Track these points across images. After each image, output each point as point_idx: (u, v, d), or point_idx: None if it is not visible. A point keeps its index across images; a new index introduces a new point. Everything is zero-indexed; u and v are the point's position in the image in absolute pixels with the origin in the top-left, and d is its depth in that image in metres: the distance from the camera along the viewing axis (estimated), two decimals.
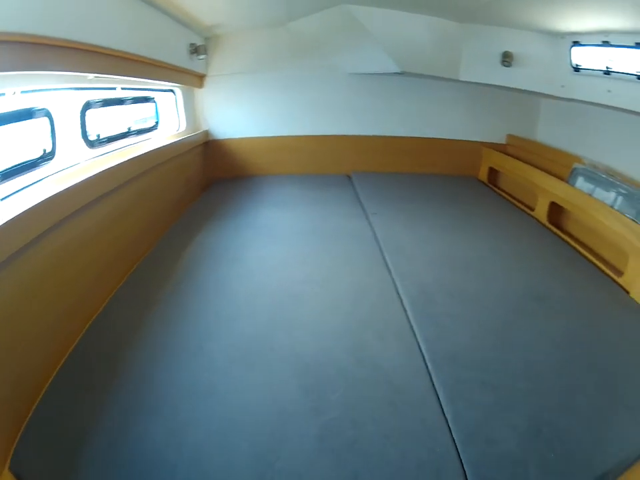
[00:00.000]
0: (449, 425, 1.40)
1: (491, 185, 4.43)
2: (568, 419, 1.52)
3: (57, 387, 1.59)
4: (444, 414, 1.44)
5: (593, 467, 1.36)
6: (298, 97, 4.05)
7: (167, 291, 2.03)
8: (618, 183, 3.09)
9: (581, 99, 3.48)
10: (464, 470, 1.26)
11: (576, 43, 3.21)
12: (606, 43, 2.93)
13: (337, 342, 1.71)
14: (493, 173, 4.51)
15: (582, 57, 3.23)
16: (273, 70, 3.94)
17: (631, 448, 1.45)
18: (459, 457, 1.30)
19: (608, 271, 2.77)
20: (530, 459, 1.33)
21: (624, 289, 2.56)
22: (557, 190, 3.43)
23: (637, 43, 2.68)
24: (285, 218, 2.88)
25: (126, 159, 2.47)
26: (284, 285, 2.10)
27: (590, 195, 3.22)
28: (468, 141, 4.59)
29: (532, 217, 3.64)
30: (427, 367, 1.65)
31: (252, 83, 3.98)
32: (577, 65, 3.29)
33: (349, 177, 4.03)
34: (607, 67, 2.99)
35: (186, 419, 1.36)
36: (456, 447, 1.33)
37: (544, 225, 3.47)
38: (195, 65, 3.51)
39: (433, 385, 1.56)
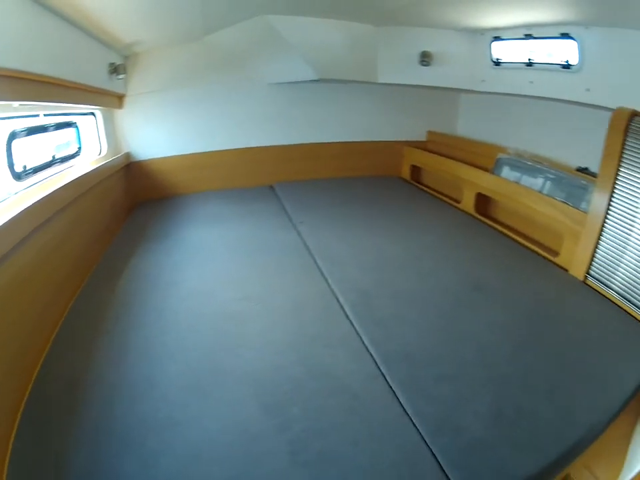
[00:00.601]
0: (413, 422, 1.39)
1: (414, 183, 4.45)
2: (529, 398, 1.54)
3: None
4: (406, 412, 1.43)
5: (562, 438, 1.40)
6: (217, 111, 3.88)
7: (109, 327, 1.88)
8: (545, 168, 3.16)
9: (502, 91, 3.56)
10: (437, 461, 1.26)
11: (496, 38, 3.27)
12: (529, 36, 3.01)
13: (285, 356, 1.67)
14: (416, 170, 4.54)
15: (502, 51, 3.29)
16: (191, 86, 3.75)
17: (595, 417, 1.51)
18: (430, 450, 1.30)
19: (544, 253, 2.85)
20: (499, 440, 1.35)
21: (563, 268, 2.65)
22: (482, 181, 3.47)
23: (562, 34, 2.76)
24: (214, 235, 2.74)
25: (52, 190, 2.27)
26: (223, 305, 2.00)
27: (517, 182, 3.29)
28: (389, 141, 4.59)
29: (459, 209, 3.68)
30: (379, 370, 1.62)
31: (171, 100, 3.75)
32: (497, 59, 3.35)
33: (272, 188, 3.93)
34: (529, 59, 3.08)
35: (155, 450, 1.29)
36: (425, 441, 1.33)
37: (473, 216, 3.51)
38: (115, 85, 3.27)
39: (390, 386, 1.54)
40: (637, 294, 2.29)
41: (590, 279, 2.54)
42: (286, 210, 3.29)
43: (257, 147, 4.10)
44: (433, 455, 1.29)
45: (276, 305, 2.01)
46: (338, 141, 4.42)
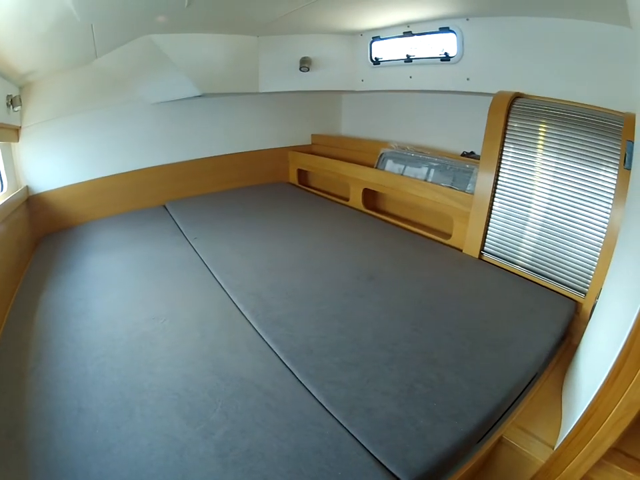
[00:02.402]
0: (326, 409, 1.42)
1: (302, 186, 4.41)
2: (436, 371, 1.59)
3: None
4: (318, 401, 1.46)
5: (479, 405, 1.45)
6: (108, 135, 3.59)
7: (32, 365, 1.76)
8: (428, 157, 3.19)
9: (382, 89, 3.62)
10: (358, 440, 1.30)
11: (376, 38, 3.29)
12: (408, 34, 3.04)
13: (197, 367, 1.65)
14: (303, 174, 4.50)
15: (382, 50, 3.32)
16: (83, 111, 3.44)
17: (509, 380, 1.58)
18: (348, 431, 1.33)
19: (436, 237, 2.93)
20: (415, 413, 1.39)
21: (457, 248, 2.76)
22: (366, 177, 3.48)
23: (441, 28, 2.83)
24: (115, 261, 2.62)
25: None
26: (133, 327, 1.94)
27: (401, 174, 3.31)
28: (275, 148, 4.48)
29: (348, 206, 3.68)
30: (286, 366, 1.65)
31: (65, 128, 3.41)
32: (376, 59, 3.38)
33: (165, 208, 3.75)
34: (408, 55, 3.12)
35: (100, 474, 1.24)
36: (341, 424, 1.36)
37: (362, 212, 3.54)
38: (12, 118, 2.97)
39: (298, 379, 1.57)
40: (531, 262, 2.40)
41: (485, 254, 2.62)
42: (179, 227, 3.19)
43: (148, 168, 3.84)
44: (352, 435, 1.32)
45: (182, 320, 1.99)
46: (226, 153, 4.25)
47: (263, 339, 1.83)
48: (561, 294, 2.23)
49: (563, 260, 2.26)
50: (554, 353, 1.97)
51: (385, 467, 1.23)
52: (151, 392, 1.54)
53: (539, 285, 2.32)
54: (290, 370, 1.62)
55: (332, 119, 4.67)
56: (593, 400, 1.34)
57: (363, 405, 1.43)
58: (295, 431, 1.34)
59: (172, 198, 3.90)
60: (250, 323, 1.94)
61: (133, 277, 2.44)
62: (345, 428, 1.35)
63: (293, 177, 4.56)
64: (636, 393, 1.21)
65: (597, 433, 1.35)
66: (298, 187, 4.46)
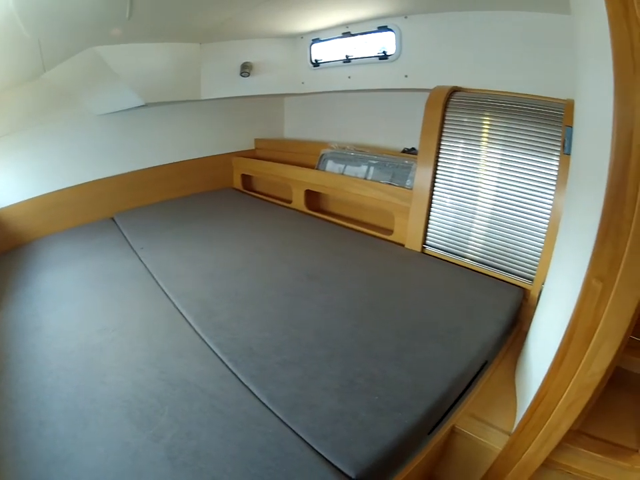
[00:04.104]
0: (269, 408, 1.42)
1: (246, 191, 4.34)
2: (378, 365, 1.59)
3: None
4: (261, 401, 1.46)
5: (422, 396, 1.45)
6: (58, 149, 3.42)
7: None
8: (367, 156, 3.15)
9: (322, 90, 3.59)
10: (301, 437, 1.29)
11: (316, 40, 3.27)
12: (347, 34, 3.02)
13: (146, 375, 1.64)
14: (247, 179, 4.42)
15: (322, 51, 3.29)
16: (31, 126, 3.27)
17: (453, 369, 1.59)
18: (291, 429, 1.33)
19: (378, 234, 2.90)
20: (356, 407, 1.39)
21: (399, 244, 2.74)
22: (308, 178, 3.42)
23: (379, 27, 2.82)
24: (66, 275, 2.55)
25: None
26: (84, 339, 1.92)
27: (341, 174, 3.26)
28: (220, 154, 4.37)
29: (291, 209, 3.62)
30: (229, 369, 1.64)
31: (15, 144, 3.23)
32: (316, 60, 3.35)
33: (113, 220, 3.64)
34: (347, 56, 3.10)
35: None
36: (284, 422, 1.36)
37: (305, 213, 3.50)
38: None
39: (241, 381, 1.57)
40: (475, 252, 2.39)
41: (428, 248, 2.59)
42: (127, 239, 3.12)
43: (97, 180, 3.69)
44: (295, 432, 1.31)
45: (130, 330, 1.97)
46: (171, 162, 4.12)
47: (206, 343, 1.80)
48: (508, 282, 2.22)
49: (508, 248, 2.24)
50: (503, 340, 1.98)
51: (329, 462, 1.22)
52: (103, 401, 1.53)
53: (485, 274, 2.31)
54: (233, 372, 1.61)
55: (275, 123, 4.61)
56: (541, 384, 1.30)
57: (305, 402, 1.42)
58: (240, 431, 1.34)
59: (121, 209, 3.78)
60: (194, 328, 1.92)
61: (83, 290, 2.40)
62: (288, 426, 1.35)
63: (238, 183, 4.47)
64: (585, 377, 1.17)
65: (551, 417, 1.31)
66: (243, 192, 4.39)
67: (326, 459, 1.23)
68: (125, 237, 3.16)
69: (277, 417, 1.39)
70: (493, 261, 2.31)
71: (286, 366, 1.60)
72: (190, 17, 2.57)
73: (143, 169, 3.95)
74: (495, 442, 1.49)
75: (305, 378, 1.54)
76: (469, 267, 2.39)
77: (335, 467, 1.20)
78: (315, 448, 1.26)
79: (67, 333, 2.01)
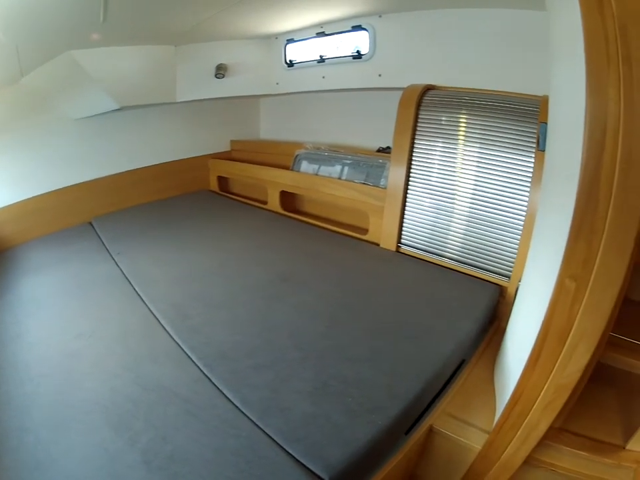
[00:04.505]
0: (242, 411, 1.42)
1: (223, 193, 4.28)
2: (351, 367, 1.57)
3: None
4: (234, 404, 1.45)
5: (396, 397, 1.43)
6: (36, 154, 3.35)
7: None
8: (341, 155, 3.11)
9: (296, 90, 3.55)
10: (274, 440, 1.29)
11: (290, 40, 3.25)
12: (321, 34, 3.00)
13: (122, 379, 1.64)
14: (223, 180, 4.35)
15: (296, 52, 3.27)
16: (9, 132, 3.20)
17: (427, 370, 1.57)
18: (264, 432, 1.32)
19: (353, 234, 2.87)
20: (329, 409, 1.38)
21: (374, 243, 2.71)
22: (283, 179, 3.38)
23: (353, 27, 2.80)
24: (45, 282, 2.52)
25: None
26: (62, 345, 1.91)
27: (315, 174, 3.22)
28: (196, 156, 4.30)
29: (266, 210, 3.58)
30: (202, 372, 1.63)
31: None
32: (290, 61, 3.32)
33: (91, 224, 3.57)
34: (321, 56, 3.08)
35: None
36: (257, 425, 1.35)
37: (280, 214, 3.47)
38: None
39: (214, 384, 1.56)
40: (451, 251, 2.37)
41: (403, 247, 2.56)
42: (104, 243, 3.08)
43: (73, 185, 3.61)
44: (268, 435, 1.31)
45: (106, 335, 1.96)
46: (148, 164, 4.04)
47: (180, 347, 1.79)
48: (484, 280, 2.20)
49: (485, 246, 2.22)
50: (481, 338, 1.97)
51: (303, 464, 1.21)
52: (82, 406, 1.54)
53: (461, 272, 2.29)
54: (206, 376, 1.61)
55: (250, 124, 4.55)
56: (517, 384, 1.28)
57: (278, 405, 1.42)
58: (214, 435, 1.33)
59: (99, 213, 3.72)
60: (169, 332, 1.91)
61: (61, 297, 2.38)
62: (261, 429, 1.34)
63: (214, 185, 4.41)
64: (562, 377, 1.14)
65: (529, 417, 1.29)
66: (219, 194, 4.33)
67: (299, 462, 1.22)
68: (102, 241, 3.12)
69: (250, 420, 1.38)
70: (469, 258, 2.29)
71: (258, 369, 1.59)
72: (164, 19, 2.54)
73: (120, 173, 3.88)
74: (474, 441, 1.48)
75: (278, 381, 1.53)
76: (445, 265, 2.36)
77: (308, 470, 1.19)
78: (288, 451, 1.25)
79: (45, 339, 1.99)
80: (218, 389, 1.54)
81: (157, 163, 4.09)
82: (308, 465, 1.20)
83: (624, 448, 1.43)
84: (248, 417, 1.39)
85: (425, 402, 1.56)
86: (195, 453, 1.28)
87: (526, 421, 1.31)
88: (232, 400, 1.48)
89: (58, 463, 1.32)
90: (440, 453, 1.59)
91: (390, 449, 1.41)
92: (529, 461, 1.40)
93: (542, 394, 1.22)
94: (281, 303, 2.06)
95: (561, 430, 1.48)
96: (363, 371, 1.55)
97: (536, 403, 1.25)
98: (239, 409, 1.43)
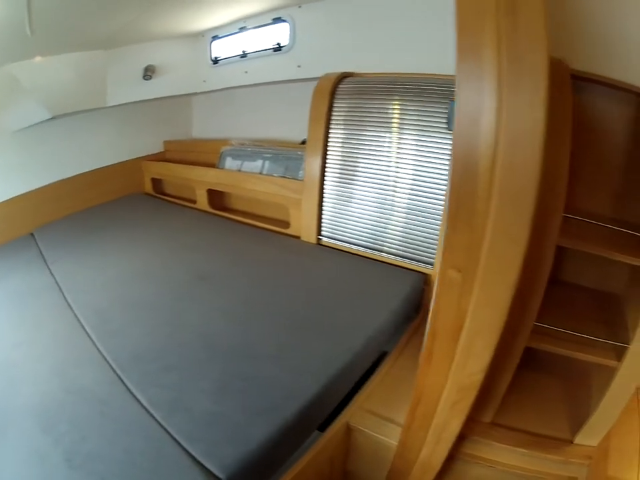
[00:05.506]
0: (149, 412, 1.38)
1: (157, 195, 4.12)
2: (256, 365, 1.53)
3: None
4: (142, 404, 1.42)
5: (297, 393, 1.38)
6: None
7: None
8: (263, 150, 2.99)
9: (221, 87, 3.42)
10: (176, 440, 1.25)
11: (215, 37, 3.13)
12: (243, 29, 2.88)
13: (51, 384, 1.60)
14: (157, 182, 4.17)
15: (221, 48, 3.17)
16: None
17: (333, 366, 1.50)
18: (168, 432, 1.29)
19: (276, 228, 2.76)
20: (230, 408, 1.34)
21: (295, 236, 2.59)
22: (208, 177, 3.28)
23: (274, 19, 2.68)
24: None
25: None
26: (3, 356, 1.87)
27: (238, 170, 3.11)
28: (131, 159, 4.10)
29: (196, 209, 3.48)
30: (117, 375, 1.59)
31: None
32: (215, 58, 3.20)
33: (32, 235, 3.39)
34: (243, 51, 2.97)
35: None
36: (161, 425, 1.32)
37: (208, 213, 3.35)
38: None
39: (126, 386, 1.53)
40: (373, 240, 2.23)
41: (324, 239, 2.42)
42: (42, 254, 2.94)
43: (14, 198, 3.42)
44: (171, 435, 1.28)
45: (39, 343, 1.90)
46: (86, 171, 3.84)
47: (99, 351, 1.75)
48: (406, 268, 2.08)
49: (405, 233, 2.09)
50: (403, 329, 1.88)
51: (202, 464, 1.18)
52: (19, 412, 1.52)
53: (384, 263, 2.16)
54: (120, 378, 1.57)
55: (183, 124, 4.35)
56: (416, 383, 1.15)
57: (182, 405, 1.38)
58: (124, 435, 1.32)
59: (41, 223, 3.54)
60: (90, 337, 1.86)
61: (1, 310, 2.30)
62: (164, 428, 1.31)
63: (149, 187, 4.20)
64: (464, 377, 1.00)
65: (435, 417, 1.16)
66: (154, 196, 4.14)
67: (198, 462, 1.19)
68: (40, 252, 3.00)
69: (156, 420, 1.35)
70: (390, 247, 2.14)
71: (167, 370, 1.55)
72: (90, 25, 2.48)
73: (60, 181, 3.71)
74: (394, 438, 1.38)
75: (184, 381, 1.49)
76: (366, 255, 2.23)
77: (207, 469, 1.16)
78: (189, 451, 1.22)
79: None
80: (129, 390, 1.51)
81: (94, 168, 3.91)
82: (206, 465, 1.17)
83: (572, 442, 1.33)
84: (154, 418, 1.36)
85: (339, 397, 1.50)
86: (108, 453, 1.27)
87: (434, 422, 1.17)
88: (141, 401, 1.44)
89: (7, 469, 1.30)
90: (362, 450, 1.51)
91: (297, 447, 1.36)
92: (463, 458, 1.35)
93: (445, 394, 1.07)
94: (196, 303, 1.98)
95: (493, 425, 1.39)
96: (267, 368, 1.50)
97: (440, 404, 1.11)
98: (147, 410, 1.40)
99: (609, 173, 1.44)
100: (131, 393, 1.50)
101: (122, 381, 1.56)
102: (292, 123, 3.10)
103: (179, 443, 1.26)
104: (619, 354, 1.18)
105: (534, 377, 1.60)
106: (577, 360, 1.26)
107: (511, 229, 0.76)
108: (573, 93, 1.11)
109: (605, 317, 1.37)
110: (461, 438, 1.40)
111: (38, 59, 2.81)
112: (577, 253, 1.21)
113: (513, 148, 0.71)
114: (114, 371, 1.63)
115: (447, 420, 1.14)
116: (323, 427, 1.44)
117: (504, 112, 0.70)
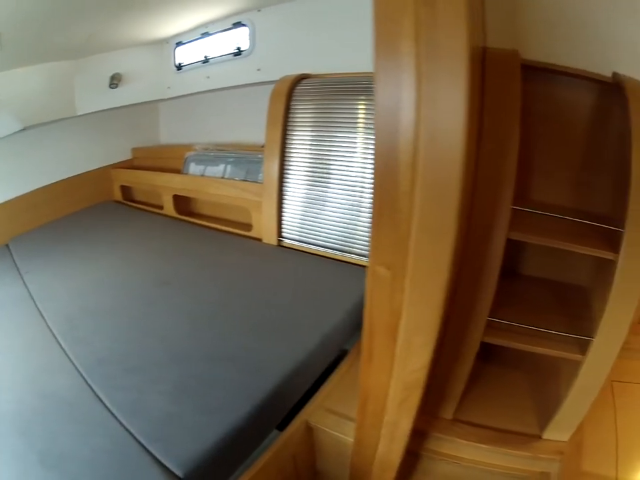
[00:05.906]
0: (111, 412, 1.40)
1: (127, 202, 4.07)
2: (211, 367, 1.54)
3: None
4: (105, 406, 1.44)
5: (251, 393, 1.39)
6: None
7: None
8: (226, 154, 2.99)
9: (185, 93, 3.39)
10: (137, 439, 1.27)
11: (179, 43, 3.10)
12: (205, 34, 2.87)
13: (26, 390, 1.61)
14: (126, 190, 4.11)
15: (184, 54, 3.14)
16: None
17: (287, 366, 1.50)
18: (129, 432, 1.31)
19: (239, 231, 2.75)
20: (186, 409, 1.36)
21: (257, 239, 2.59)
22: (173, 183, 3.26)
23: (233, 24, 2.68)
24: None
25: None
26: None
27: (202, 175, 3.11)
28: (100, 167, 4.05)
29: (163, 215, 3.46)
30: (84, 379, 1.59)
31: None
32: (179, 64, 3.16)
33: (7, 246, 3.34)
34: (206, 56, 2.95)
35: None
36: (123, 426, 1.33)
37: (174, 218, 3.34)
38: None
39: (91, 388, 1.54)
40: (331, 240, 2.22)
41: (285, 240, 2.40)
42: (16, 264, 2.93)
43: None
44: (133, 435, 1.30)
45: (15, 351, 1.91)
46: (58, 180, 3.79)
47: (68, 357, 1.76)
48: (366, 266, 2.05)
49: (363, 231, 2.08)
50: (358, 327, 1.85)
51: (161, 463, 1.19)
52: (1, 418, 1.51)
53: (343, 262, 2.14)
54: (87, 382, 1.58)
55: (150, 130, 4.29)
56: (360, 381, 1.11)
57: (142, 407, 1.40)
58: (91, 436, 1.34)
59: (17, 233, 3.49)
60: (60, 344, 1.87)
61: None
62: (126, 428, 1.33)
63: (118, 195, 4.14)
64: (406, 375, 0.96)
65: (385, 416, 1.11)
66: (123, 203, 4.09)
67: (158, 461, 1.21)
68: (14, 262, 2.98)
69: (119, 421, 1.37)
70: (349, 246, 2.12)
71: (130, 372, 1.57)
72: (57, 35, 2.45)
73: (34, 191, 3.65)
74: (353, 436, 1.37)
75: (144, 383, 1.50)
76: (326, 255, 2.21)
77: (166, 468, 1.18)
78: (150, 450, 1.24)
79: None
80: (94, 392, 1.53)
81: (66, 177, 3.86)
82: (165, 464, 1.19)
83: (540, 437, 1.31)
84: (117, 419, 1.38)
85: (297, 396, 1.52)
86: (77, 453, 1.28)
87: (385, 419, 1.13)
88: (105, 403, 1.46)
89: None
90: (327, 449, 1.49)
91: (259, 444, 1.38)
92: (427, 455, 1.34)
93: (390, 392, 1.04)
94: (159, 308, 2.00)
95: (454, 421, 1.36)
96: (224, 369, 1.52)
97: (387, 402, 1.07)
98: (111, 412, 1.42)
99: (571, 163, 1.41)
100: (97, 395, 1.51)
101: (88, 384, 1.57)
102: (256, 126, 3.06)
103: (140, 443, 1.27)
104: (583, 347, 1.15)
105: (500, 373, 1.59)
106: (544, 355, 1.24)
107: (436, 225, 0.73)
108: (524, 83, 1.07)
109: (570, 311, 1.34)
110: (422, 434, 1.39)
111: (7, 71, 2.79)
112: (538, 246, 1.18)
113: (433, 142, 0.68)
114: (81, 376, 1.63)
115: (397, 418, 1.11)
116: (282, 426, 1.44)
117: (422, 105, 0.67)
